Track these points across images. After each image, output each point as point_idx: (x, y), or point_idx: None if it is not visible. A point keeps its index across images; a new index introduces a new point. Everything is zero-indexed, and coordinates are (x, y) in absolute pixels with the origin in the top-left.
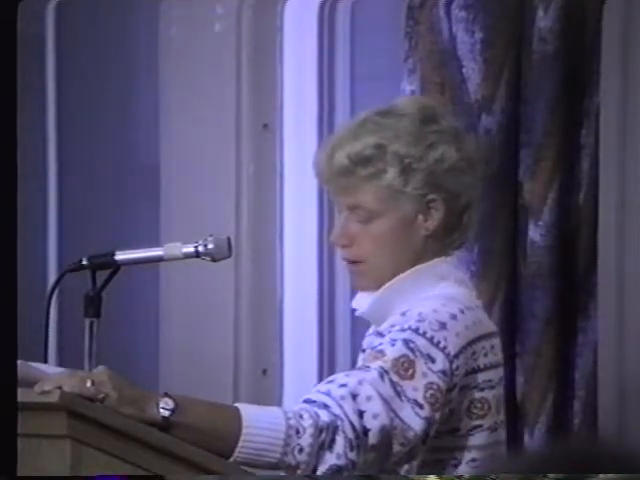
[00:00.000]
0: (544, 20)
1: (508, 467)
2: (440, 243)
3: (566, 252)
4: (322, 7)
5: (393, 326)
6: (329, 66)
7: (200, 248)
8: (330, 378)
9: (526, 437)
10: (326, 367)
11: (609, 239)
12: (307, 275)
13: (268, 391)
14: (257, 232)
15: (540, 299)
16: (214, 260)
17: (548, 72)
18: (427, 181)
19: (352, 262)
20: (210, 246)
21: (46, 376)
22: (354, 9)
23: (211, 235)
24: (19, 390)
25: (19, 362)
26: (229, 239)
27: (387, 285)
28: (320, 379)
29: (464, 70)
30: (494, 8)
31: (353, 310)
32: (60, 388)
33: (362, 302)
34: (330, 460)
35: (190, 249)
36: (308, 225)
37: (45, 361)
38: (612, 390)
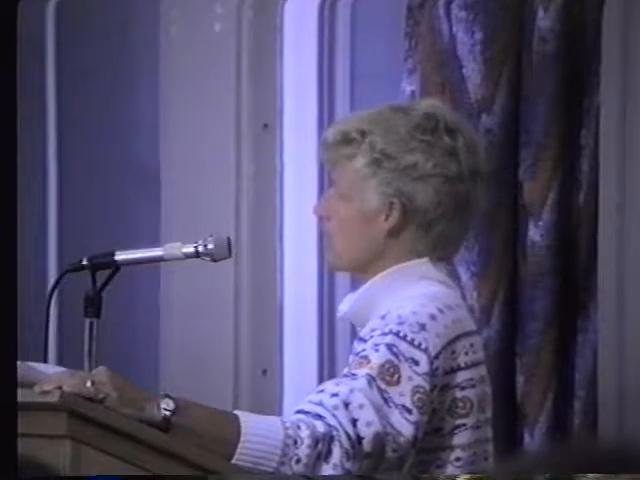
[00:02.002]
0: (544, 20)
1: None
2: (405, 248)
3: (566, 252)
4: (322, 7)
5: (374, 330)
6: (329, 66)
7: (200, 248)
8: (320, 387)
9: (526, 437)
10: (326, 367)
11: (609, 239)
12: (307, 275)
13: (268, 391)
14: (257, 232)
15: (540, 299)
16: (214, 260)
17: (548, 72)
18: (392, 182)
19: (326, 237)
20: (210, 246)
21: (46, 376)
22: (354, 9)
23: (211, 235)
24: (19, 390)
25: (19, 363)
26: (229, 239)
27: (367, 285)
28: (320, 379)
29: (464, 70)
30: (494, 8)
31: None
32: (60, 388)
33: (345, 304)
34: (327, 471)
35: (190, 249)
36: (308, 225)
37: (45, 361)
38: (612, 390)
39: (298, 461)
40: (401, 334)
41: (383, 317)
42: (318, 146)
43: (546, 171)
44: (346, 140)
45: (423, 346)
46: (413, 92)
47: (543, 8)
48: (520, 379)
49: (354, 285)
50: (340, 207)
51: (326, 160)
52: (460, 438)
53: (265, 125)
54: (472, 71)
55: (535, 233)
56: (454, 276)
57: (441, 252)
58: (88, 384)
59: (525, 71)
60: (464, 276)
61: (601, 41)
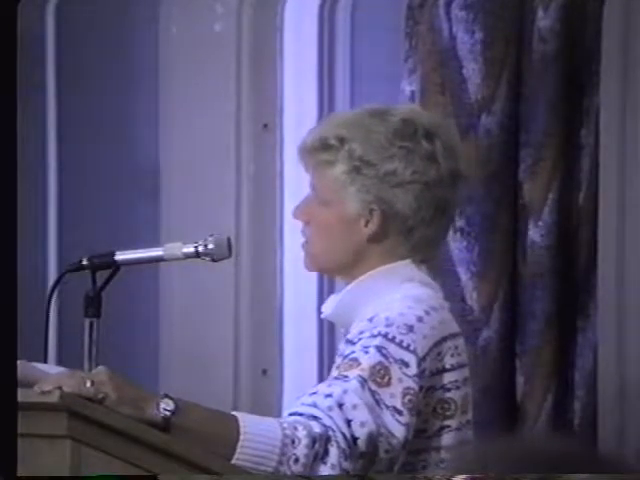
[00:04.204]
0: (544, 20)
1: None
2: (386, 251)
3: (566, 252)
4: (322, 7)
5: (362, 332)
6: (329, 66)
7: (200, 248)
8: (312, 390)
9: None
10: (326, 367)
11: (609, 239)
12: (307, 275)
13: (268, 391)
14: (257, 232)
15: (540, 299)
16: (214, 260)
17: (548, 72)
18: (371, 189)
19: (305, 239)
20: (210, 246)
21: (46, 376)
22: (354, 9)
23: (211, 235)
24: (19, 390)
25: (19, 362)
26: (229, 239)
27: (349, 287)
28: (320, 379)
29: (464, 70)
30: (494, 8)
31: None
32: (60, 388)
33: (329, 305)
34: (324, 471)
35: (190, 249)
36: None
37: (45, 361)
38: (612, 390)
39: (296, 461)
40: (389, 336)
41: (371, 319)
42: (297, 150)
43: (546, 171)
44: (325, 146)
45: (412, 348)
46: (413, 92)
47: (543, 8)
48: (520, 379)
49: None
50: (319, 212)
51: (305, 165)
52: (445, 439)
53: (265, 125)
54: (472, 71)
55: (535, 233)
56: (454, 276)
57: (422, 254)
58: (88, 384)
59: (525, 71)
60: (464, 276)
61: (601, 41)
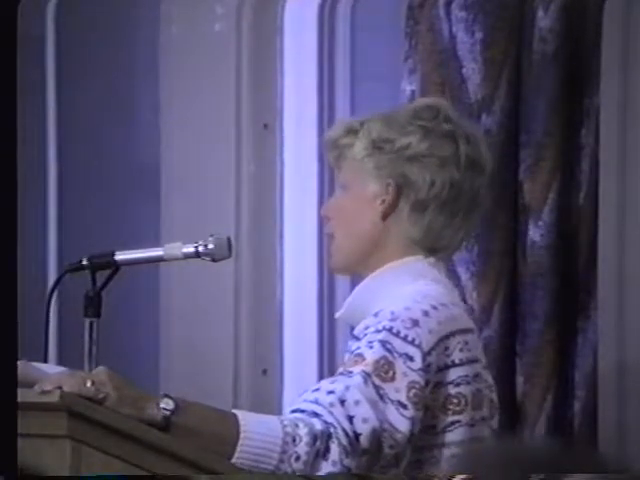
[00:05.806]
0: (544, 20)
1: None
2: (399, 233)
3: (566, 252)
4: (322, 7)
5: (367, 328)
6: (329, 66)
7: (200, 248)
8: (315, 386)
9: (526, 437)
10: (326, 367)
11: (609, 239)
12: (307, 275)
13: (268, 391)
14: (257, 232)
15: (540, 299)
16: (214, 260)
17: (548, 72)
18: (388, 165)
19: (329, 236)
20: (210, 246)
21: (46, 376)
22: (354, 9)
23: (211, 235)
24: (19, 390)
25: (19, 362)
26: (229, 239)
27: (361, 285)
28: (320, 379)
29: (464, 70)
30: (494, 8)
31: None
32: (60, 388)
33: (344, 306)
34: (326, 468)
35: (190, 249)
36: (308, 225)
37: (45, 361)
38: (612, 390)
39: (297, 459)
40: (394, 330)
41: (376, 314)
42: (322, 146)
43: (546, 171)
44: (348, 130)
45: (416, 342)
46: (413, 92)
47: (543, 8)
48: (520, 379)
49: (354, 286)
50: (340, 199)
51: (331, 158)
52: (455, 435)
53: (265, 125)
54: (472, 71)
55: (535, 233)
56: (454, 276)
57: (434, 242)
58: (88, 384)
59: (525, 71)
60: (464, 276)
61: (601, 41)
